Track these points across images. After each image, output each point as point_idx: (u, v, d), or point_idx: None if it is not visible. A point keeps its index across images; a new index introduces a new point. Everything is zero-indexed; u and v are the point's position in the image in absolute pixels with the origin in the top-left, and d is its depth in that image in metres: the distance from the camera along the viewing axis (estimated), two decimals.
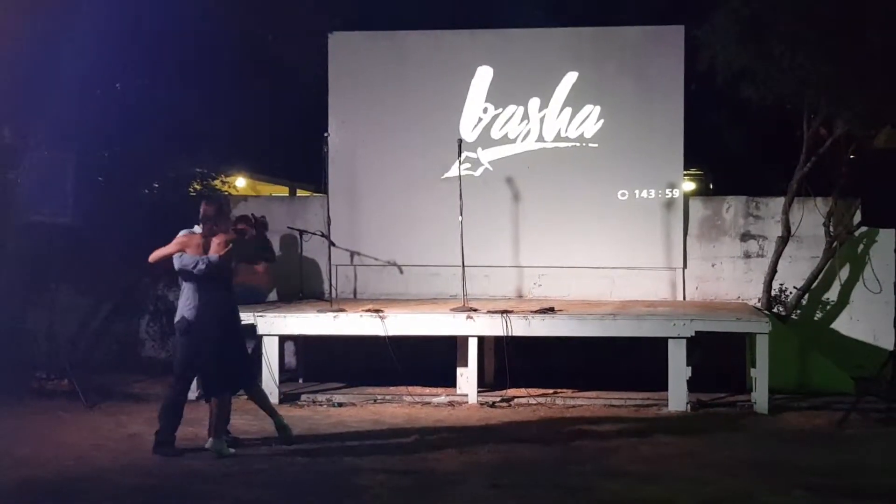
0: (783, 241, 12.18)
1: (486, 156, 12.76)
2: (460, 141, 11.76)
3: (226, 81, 12.16)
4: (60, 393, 10.69)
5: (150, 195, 12.53)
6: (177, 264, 8.50)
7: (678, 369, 10.26)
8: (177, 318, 8.64)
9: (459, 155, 11.68)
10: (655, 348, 10.51)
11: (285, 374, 11.56)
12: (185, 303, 8.54)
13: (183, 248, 8.49)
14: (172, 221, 12.05)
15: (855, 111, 11.22)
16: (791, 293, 12.26)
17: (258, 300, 11.82)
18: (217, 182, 13.12)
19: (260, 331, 10.74)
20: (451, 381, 11.22)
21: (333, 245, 11.97)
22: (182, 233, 8.64)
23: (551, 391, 11.00)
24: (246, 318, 10.84)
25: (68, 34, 10.80)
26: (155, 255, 8.58)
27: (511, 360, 10.75)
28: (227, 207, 8.88)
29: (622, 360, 11.80)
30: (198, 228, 8.61)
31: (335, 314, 10.87)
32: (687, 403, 10.29)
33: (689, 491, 7.29)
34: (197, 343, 8.49)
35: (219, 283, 8.48)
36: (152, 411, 10.06)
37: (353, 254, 12.85)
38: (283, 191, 18.13)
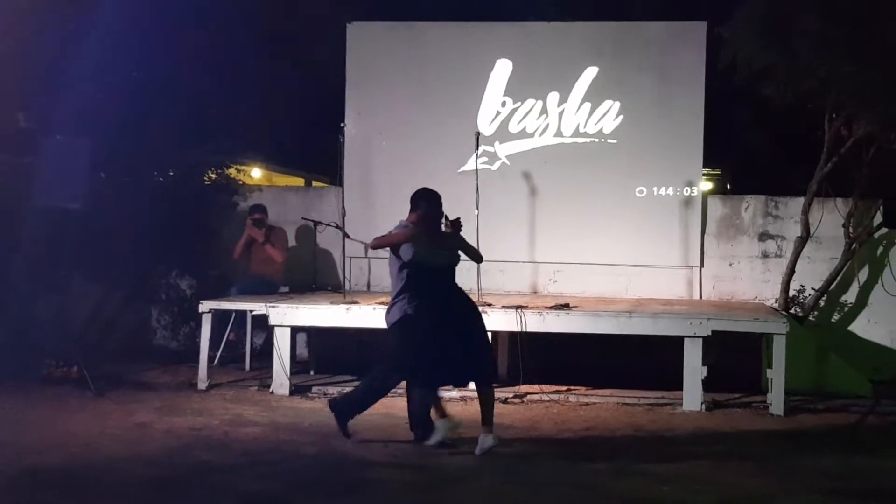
0: (802, 241, 12.05)
1: (504, 150, 12.65)
2: (478, 134, 11.67)
3: (243, 71, 12.11)
4: (69, 380, 10.63)
5: (165, 183, 12.48)
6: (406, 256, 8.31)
7: (694, 369, 10.15)
8: (400, 315, 8.35)
9: (477, 148, 11.59)
10: (671, 347, 10.40)
11: (297, 366, 11.47)
12: (405, 298, 8.34)
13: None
14: (186, 209, 12.18)
15: (877, 112, 11.08)
16: (809, 294, 12.13)
17: (271, 291, 11.77)
18: (232, 171, 13.05)
19: (272, 321, 10.67)
20: None
21: (348, 236, 11.89)
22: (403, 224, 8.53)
23: (565, 388, 10.89)
24: (257, 308, 10.85)
25: (85, 21, 10.76)
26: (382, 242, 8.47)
27: (525, 357, 10.66)
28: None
29: (637, 359, 11.69)
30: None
31: (348, 306, 10.80)
32: (702, 403, 10.17)
33: (703, 492, 7.18)
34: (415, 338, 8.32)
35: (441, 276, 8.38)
36: (161, 400, 10.10)
37: (367, 246, 12.73)
38: (298, 182, 18.09)
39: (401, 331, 8.34)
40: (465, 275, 11.99)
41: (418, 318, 8.28)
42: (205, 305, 10.93)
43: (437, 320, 8.23)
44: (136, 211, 11.64)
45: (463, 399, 10.52)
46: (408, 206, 12.47)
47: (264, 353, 11.74)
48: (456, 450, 8.25)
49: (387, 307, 8.54)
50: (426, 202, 8.52)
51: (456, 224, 8.58)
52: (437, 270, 8.34)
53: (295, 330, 11.12)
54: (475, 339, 8.38)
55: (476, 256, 8.72)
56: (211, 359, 11.22)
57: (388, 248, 8.47)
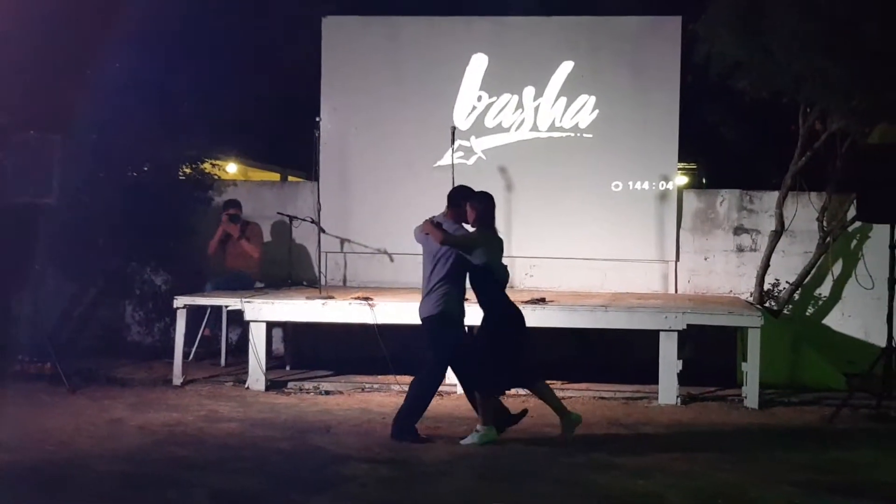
0: (776, 235, 12.11)
1: (480, 144, 12.64)
2: (454, 129, 11.68)
3: (218, 66, 12.03)
4: (43, 377, 10.54)
5: (139, 178, 12.40)
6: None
7: (669, 362, 10.18)
8: (435, 311, 8.48)
9: (453, 143, 11.59)
10: (646, 341, 10.43)
11: (273, 361, 11.44)
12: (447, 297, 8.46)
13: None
14: (161, 204, 12.11)
15: (851, 106, 11.15)
16: (783, 288, 12.19)
17: (246, 286, 11.72)
18: (207, 166, 12.98)
19: (247, 316, 10.65)
20: None
21: (323, 231, 11.88)
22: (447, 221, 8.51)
23: None
24: (232, 303, 10.81)
25: (57, 15, 10.67)
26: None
27: None
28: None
29: (613, 353, 11.73)
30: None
31: (324, 301, 10.78)
32: (677, 397, 10.21)
33: (678, 485, 7.20)
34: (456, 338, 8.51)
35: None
36: (136, 396, 10.06)
37: (343, 241, 12.72)
38: (274, 177, 18.00)
39: (437, 325, 8.48)
40: None
41: (460, 317, 8.52)
42: (179, 301, 10.89)
43: (509, 321, 8.47)
44: (109, 206, 11.56)
45: (439, 394, 10.52)
46: (384, 200, 12.62)
47: (240, 349, 11.73)
48: (432, 444, 8.27)
49: (421, 299, 8.62)
50: (481, 202, 8.48)
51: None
52: (499, 272, 8.51)
53: (271, 325, 11.11)
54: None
55: None
56: (186, 354, 11.15)
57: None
